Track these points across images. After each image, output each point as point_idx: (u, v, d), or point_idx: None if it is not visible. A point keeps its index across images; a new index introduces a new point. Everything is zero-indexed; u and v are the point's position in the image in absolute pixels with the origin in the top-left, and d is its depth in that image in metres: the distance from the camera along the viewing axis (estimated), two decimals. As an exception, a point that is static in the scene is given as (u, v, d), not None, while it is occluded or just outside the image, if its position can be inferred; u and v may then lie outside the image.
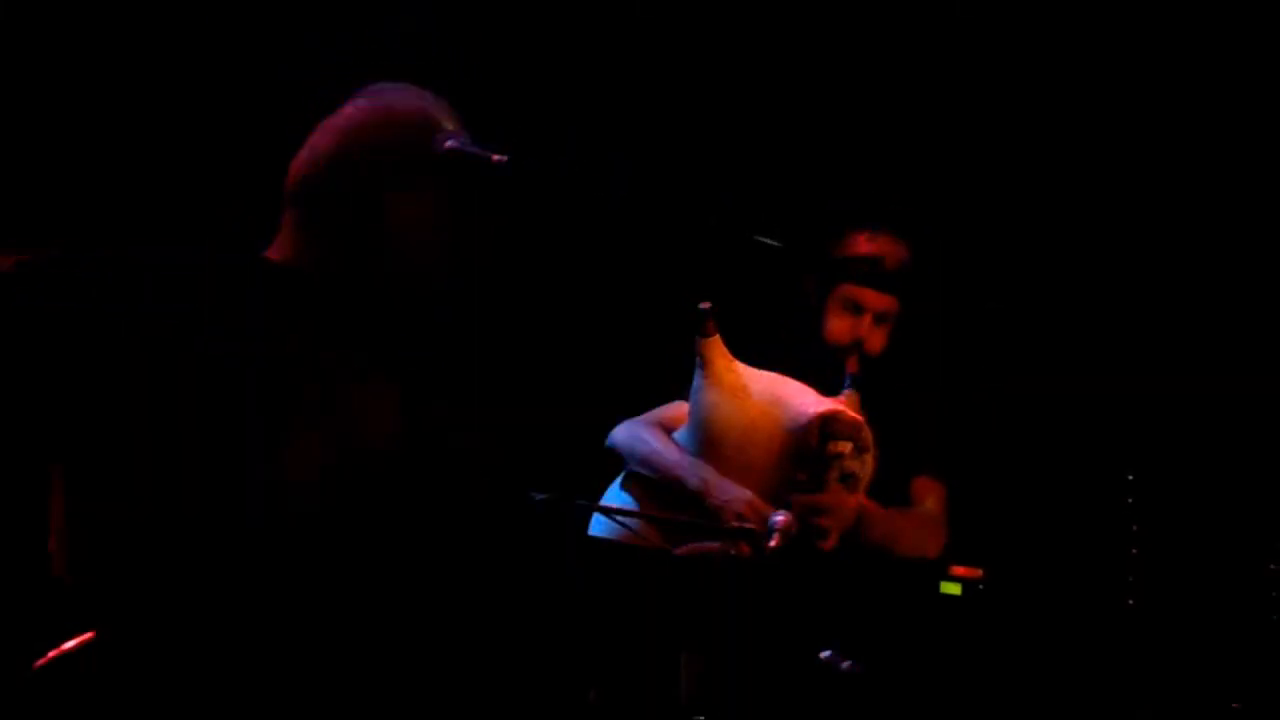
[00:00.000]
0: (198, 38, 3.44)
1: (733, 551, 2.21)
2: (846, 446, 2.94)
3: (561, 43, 3.80)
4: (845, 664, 2.20)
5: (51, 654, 1.71)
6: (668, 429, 3.15)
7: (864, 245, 3.29)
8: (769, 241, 2.06)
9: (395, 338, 2.13)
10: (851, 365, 3.20)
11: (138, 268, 1.90)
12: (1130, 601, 2.92)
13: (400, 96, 2.12)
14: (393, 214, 2.06)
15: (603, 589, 2.15)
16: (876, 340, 3.26)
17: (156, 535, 1.72)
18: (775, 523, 2.65)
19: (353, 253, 2.06)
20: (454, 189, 2.08)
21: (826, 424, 2.92)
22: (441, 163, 2.07)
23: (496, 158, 2.05)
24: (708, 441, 3.02)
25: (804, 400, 2.98)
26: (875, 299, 3.26)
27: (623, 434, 3.21)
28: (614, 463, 3.19)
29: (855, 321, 3.25)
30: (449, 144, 2.07)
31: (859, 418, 2.97)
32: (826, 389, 3.09)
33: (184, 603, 1.72)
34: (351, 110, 2.11)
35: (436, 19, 3.54)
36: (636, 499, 3.10)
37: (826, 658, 2.18)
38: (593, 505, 2.94)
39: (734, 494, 2.92)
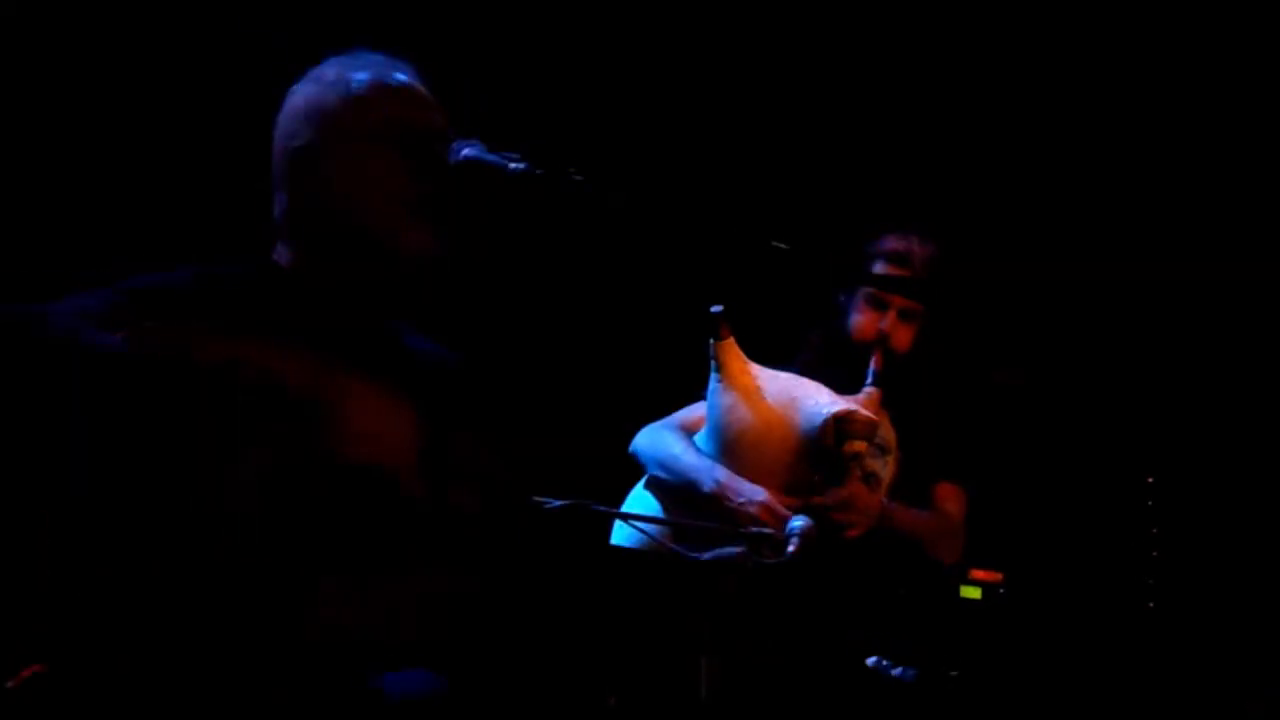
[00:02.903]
0: (191, 38, 3.44)
1: (755, 559, 2.21)
2: (862, 446, 2.93)
3: (581, 42, 3.80)
4: (896, 670, 2.17)
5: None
6: (690, 431, 3.15)
7: (891, 243, 3.28)
8: (783, 246, 2.06)
9: (406, 346, 2.14)
10: (876, 362, 3.18)
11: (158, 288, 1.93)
12: (1150, 604, 2.90)
13: (328, 69, 2.16)
14: (339, 183, 2.08)
15: (623, 596, 2.15)
16: (902, 336, 3.24)
17: (158, 539, 1.73)
18: (795, 528, 2.64)
19: (310, 227, 2.10)
20: (464, 192, 2.09)
21: (841, 424, 2.91)
22: (458, 171, 2.07)
23: (514, 165, 2.05)
24: (724, 444, 3.02)
25: (819, 400, 2.96)
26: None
27: (644, 439, 3.22)
28: (635, 467, 3.19)
29: (880, 316, 3.24)
30: (466, 152, 2.08)
31: (874, 418, 2.96)
32: (850, 388, 3.08)
33: (181, 603, 1.74)
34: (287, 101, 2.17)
35: (452, 19, 3.54)
36: (657, 503, 3.11)
37: (874, 665, 2.14)
38: (611, 511, 2.93)
39: (750, 497, 2.92)
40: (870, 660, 2.02)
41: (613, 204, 2.09)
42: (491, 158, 2.07)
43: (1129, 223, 3.80)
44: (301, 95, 2.15)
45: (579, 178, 2.05)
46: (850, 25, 3.99)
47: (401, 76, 2.14)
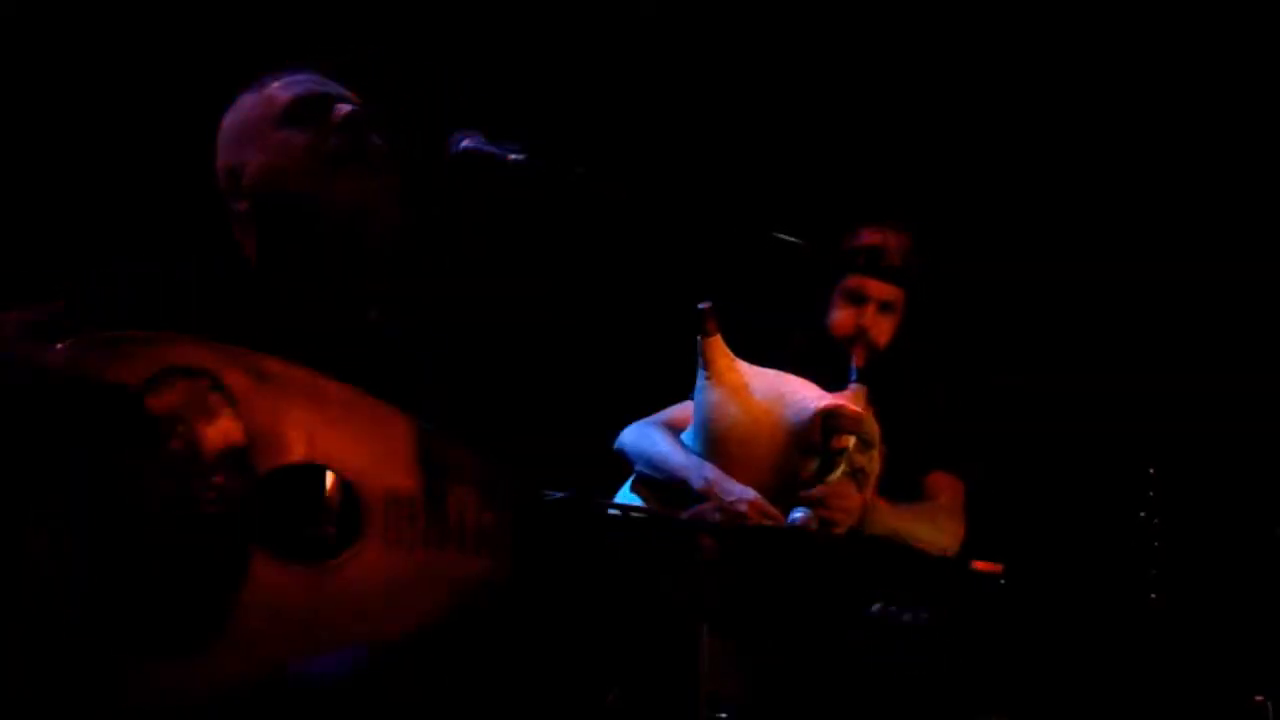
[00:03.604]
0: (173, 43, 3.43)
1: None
2: (850, 441, 2.93)
3: (571, 39, 3.79)
4: (906, 615, 2.11)
5: None
6: (676, 430, 3.15)
7: (868, 237, 3.29)
8: (788, 239, 2.06)
9: (384, 340, 2.14)
10: (858, 358, 3.19)
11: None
12: (1152, 596, 2.91)
13: (239, 97, 2.27)
14: (262, 172, 2.17)
15: (619, 565, 2.15)
16: (881, 329, 3.24)
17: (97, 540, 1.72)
18: (795, 519, 2.64)
19: (260, 229, 2.17)
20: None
21: (828, 419, 2.91)
22: (456, 162, 2.07)
23: (513, 157, 2.04)
24: (711, 441, 3.02)
25: (806, 396, 2.97)
26: (878, 288, 3.24)
27: (630, 436, 3.21)
28: (624, 465, 3.18)
29: (859, 311, 3.24)
30: (465, 144, 2.07)
31: (861, 412, 2.96)
32: (834, 385, 3.08)
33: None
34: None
35: (453, 10, 3.53)
36: (645, 501, 3.10)
37: (879, 611, 2.10)
38: (607, 504, 2.92)
39: (738, 494, 2.92)
40: (874, 608, 1.99)
41: (610, 196, 2.08)
42: (490, 149, 2.07)
43: (1122, 217, 3.82)
44: (223, 124, 2.28)
45: (578, 169, 2.05)
46: (835, 20, 4.00)
47: (294, 73, 2.25)
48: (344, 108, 2.17)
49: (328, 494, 1.85)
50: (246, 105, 2.24)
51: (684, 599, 2.11)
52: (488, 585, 1.95)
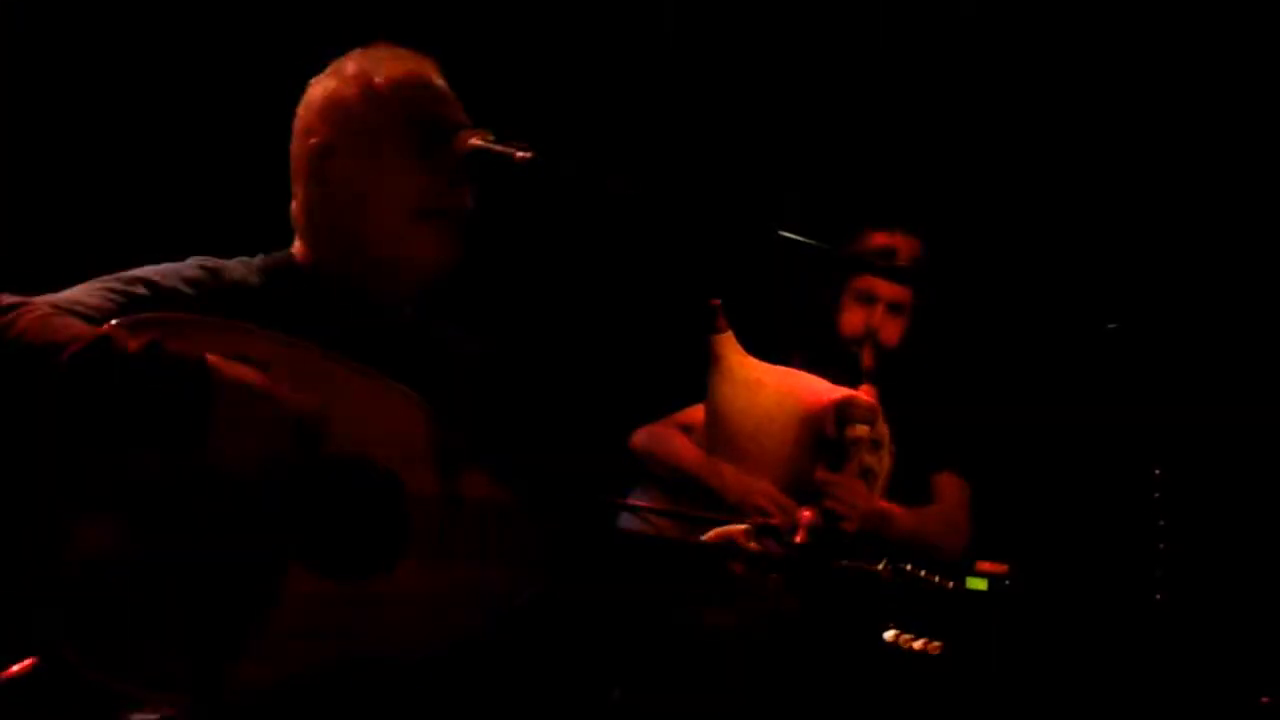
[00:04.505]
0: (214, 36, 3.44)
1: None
2: (864, 431, 2.95)
3: (584, 39, 3.80)
4: (919, 643, 2.08)
5: None
6: (688, 429, 3.16)
7: (877, 239, 3.30)
8: (798, 239, 2.06)
9: (427, 338, 2.14)
10: (866, 358, 3.21)
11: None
12: (1158, 596, 2.91)
13: (349, 63, 2.13)
14: (353, 184, 2.07)
15: (628, 582, 2.15)
16: (891, 330, 3.26)
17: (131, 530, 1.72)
18: (801, 518, 2.65)
19: (324, 226, 2.10)
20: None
21: (842, 409, 2.94)
22: (466, 160, 2.06)
23: (520, 155, 2.04)
24: (724, 437, 3.03)
25: (819, 389, 2.99)
26: (888, 288, 3.26)
27: (643, 437, 3.22)
28: (636, 467, 3.19)
29: (869, 311, 3.26)
30: (474, 142, 2.07)
31: (874, 402, 2.99)
32: (843, 386, 3.09)
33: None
34: (307, 94, 2.15)
35: (457, 10, 3.54)
36: (659, 501, 3.11)
37: (893, 639, 2.08)
38: (620, 503, 2.94)
39: (752, 489, 2.93)
40: (888, 634, 1.98)
41: (621, 194, 2.08)
42: (499, 148, 2.06)
43: (1125, 219, 3.82)
44: (321, 89, 2.13)
45: (588, 168, 2.05)
46: (848, 21, 4.01)
47: (422, 72, 2.12)
48: (453, 150, 2.05)
49: (371, 497, 1.85)
50: (359, 83, 2.08)
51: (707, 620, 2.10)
52: (517, 597, 1.95)
